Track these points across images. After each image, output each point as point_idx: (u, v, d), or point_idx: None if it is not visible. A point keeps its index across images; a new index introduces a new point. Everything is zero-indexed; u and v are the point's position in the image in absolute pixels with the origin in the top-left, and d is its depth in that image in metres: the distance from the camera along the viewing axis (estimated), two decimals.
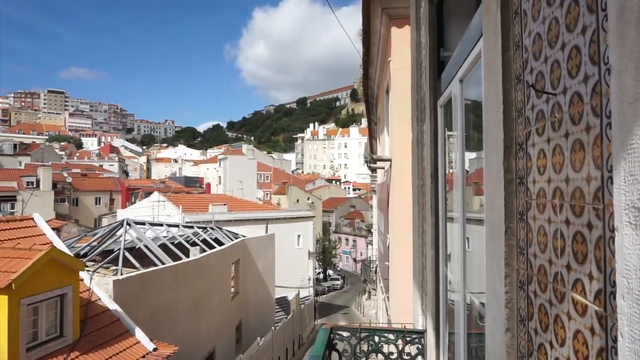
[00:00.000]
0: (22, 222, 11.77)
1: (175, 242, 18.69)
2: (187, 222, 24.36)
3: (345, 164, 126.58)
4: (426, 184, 3.12)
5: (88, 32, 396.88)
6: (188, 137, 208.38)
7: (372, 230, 40.65)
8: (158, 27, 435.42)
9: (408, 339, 3.49)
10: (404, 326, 3.73)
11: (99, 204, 58.98)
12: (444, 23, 2.92)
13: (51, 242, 11.05)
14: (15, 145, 74.03)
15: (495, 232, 1.42)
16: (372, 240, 42.41)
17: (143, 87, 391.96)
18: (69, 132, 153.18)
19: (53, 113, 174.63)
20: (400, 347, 3.51)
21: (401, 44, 7.56)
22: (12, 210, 42.69)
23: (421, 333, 3.50)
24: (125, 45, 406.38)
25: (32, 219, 12.04)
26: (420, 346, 3.48)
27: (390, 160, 8.56)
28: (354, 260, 62.96)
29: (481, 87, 1.72)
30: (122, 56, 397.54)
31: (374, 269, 28.84)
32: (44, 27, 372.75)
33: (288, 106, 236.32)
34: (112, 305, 10.92)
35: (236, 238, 21.44)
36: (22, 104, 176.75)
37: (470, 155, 2.15)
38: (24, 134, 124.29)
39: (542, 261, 1.22)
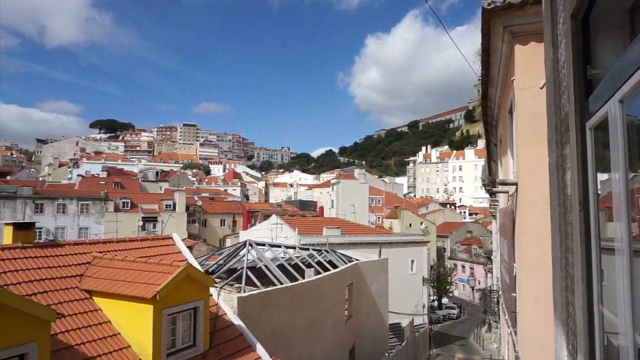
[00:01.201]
0: (164, 241, 13.22)
1: (292, 263, 19.43)
2: (302, 244, 25.27)
3: (460, 188, 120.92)
4: (572, 212, 2.85)
5: (217, 72, 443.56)
6: (302, 162, 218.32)
7: (492, 258, 37.97)
8: (277, 63, 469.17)
9: None
10: None
11: (224, 225, 64.27)
12: (591, 39, 2.70)
13: (186, 260, 12.24)
14: (157, 173, 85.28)
15: None
16: (491, 268, 39.51)
17: (263, 117, 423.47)
18: (200, 160, 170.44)
19: (187, 143, 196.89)
20: None
21: (526, 61, 7.10)
22: (154, 230, 48.56)
23: None
24: (248, 81, 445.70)
25: (172, 238, 13.50)
26: None
27: (516, 184, 7.99)
28: (472, 288, 59.24)
29: None
30: (245, 90, 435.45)
31: (495, 299, 26.75)
32: (182, 70, 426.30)
33: (399, 130, 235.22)
34: (236, 321, 11.62)
35: (350, 261, 21.61)
36: (163, 136, 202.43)
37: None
38: (164, 162, 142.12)
39: None
